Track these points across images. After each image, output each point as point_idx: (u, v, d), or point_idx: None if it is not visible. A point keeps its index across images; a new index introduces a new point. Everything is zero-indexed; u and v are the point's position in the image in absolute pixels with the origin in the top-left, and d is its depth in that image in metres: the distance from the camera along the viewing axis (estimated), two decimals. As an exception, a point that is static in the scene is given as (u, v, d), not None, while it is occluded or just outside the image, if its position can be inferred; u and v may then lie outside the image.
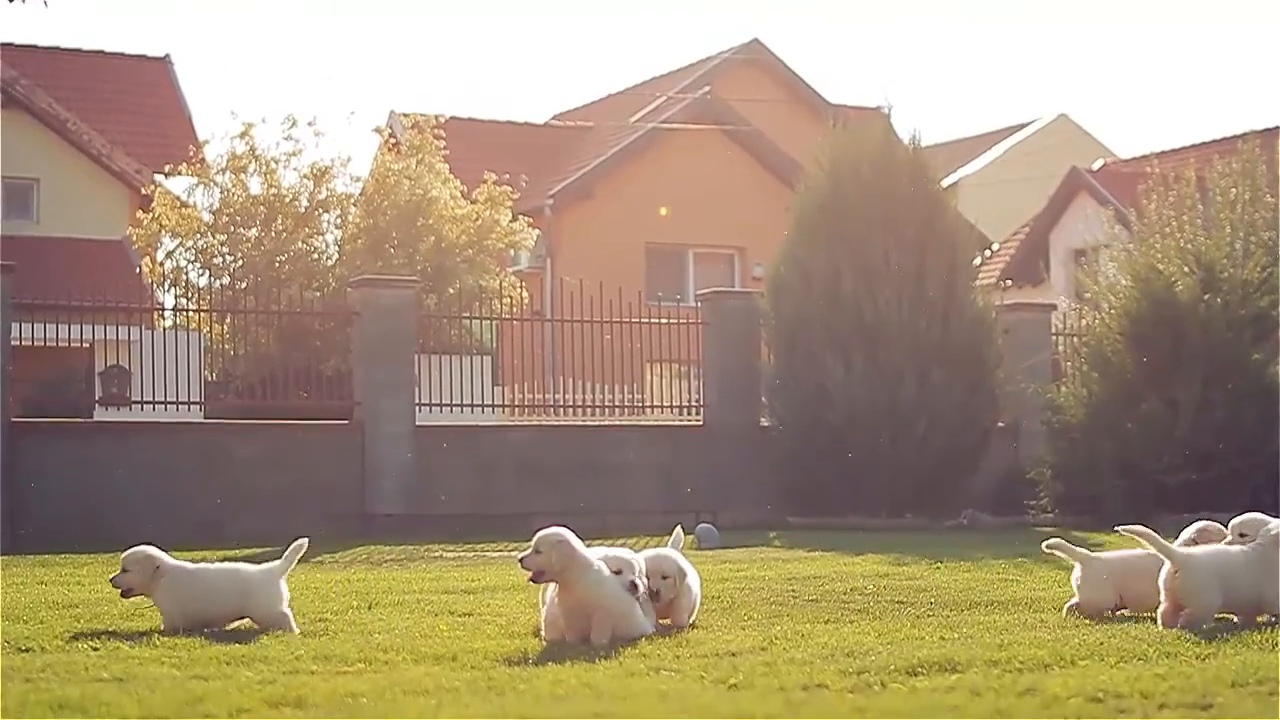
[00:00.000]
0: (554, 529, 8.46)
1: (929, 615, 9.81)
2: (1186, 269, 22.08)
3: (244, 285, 25.37)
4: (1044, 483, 21.75)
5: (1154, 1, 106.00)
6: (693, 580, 9.22)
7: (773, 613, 9.92)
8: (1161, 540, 8.83)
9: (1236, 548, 8.99)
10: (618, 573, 8.60)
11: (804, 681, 6.71)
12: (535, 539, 8.39)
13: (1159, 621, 8.65)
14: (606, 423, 23.81)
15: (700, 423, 23.57)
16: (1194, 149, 43.59)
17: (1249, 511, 9.31)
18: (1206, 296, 21.59)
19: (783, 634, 8.58)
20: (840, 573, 13.00)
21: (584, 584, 8.32)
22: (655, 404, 24.73)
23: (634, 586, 8.57)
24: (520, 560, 8.41)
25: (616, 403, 24.10)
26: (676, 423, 24.14)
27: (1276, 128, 40.34)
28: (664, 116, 41.90)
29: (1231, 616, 8.71)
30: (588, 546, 8.58)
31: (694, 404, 24.04)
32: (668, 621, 8.97)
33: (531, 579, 8.44)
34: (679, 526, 10.06)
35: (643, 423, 24.14)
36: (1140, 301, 21.90)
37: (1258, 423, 21.20)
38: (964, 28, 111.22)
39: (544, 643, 8.32)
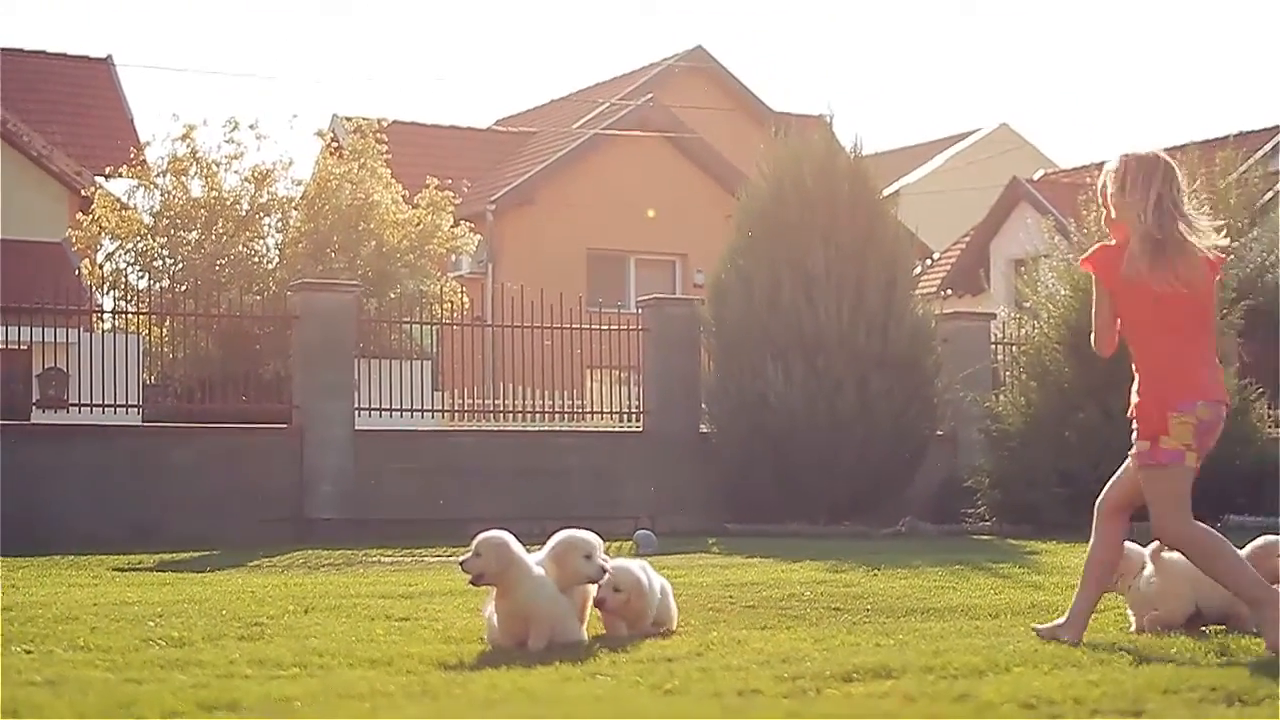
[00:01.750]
0: (494, 532, 8.46)
1: (865, 622, 9.84)
2: (1125, 279, 22.13)
3: (184, 288, 25.29)
4: (982, 491, 21.83)
5: (1095, 14, 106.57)
6: (660, 590, 9.17)
7: (709, 619, 9.93)
8: (1137, 546, 8.95)
9: None
10: (587, 557, 8.62)
11: (739, 687, 6.72)
12: (475, 542, 8.38)
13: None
14: (546, 428, 23.83)
15: (640, 429, 23.59)
16: (1134, 160, 43.81)
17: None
18: (1145, 306, 21.66)
19: (719, 640, 8.59)
20: (778, 579, 13.02)
21: (523, 589, 8.32)
22: (595, 410, 24.75)
23: (601, 570, 8.61)
24: (460, 563, 8.40)
25: (557, 408, 24.12)
26: (616, 429, 24.15)
27: (1216, 139, 40.62)
28: (607, 123, 41.95)
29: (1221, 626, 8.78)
30: (529, 552, 8.59)
31: (634, 410, 24.06)
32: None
33: (471, 582, 8.43)
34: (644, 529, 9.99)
35: (583, 429, 24.16)
36: (1079, 311, 21.97)
37: (1194, 432, 21.29)
38: (907, 37, 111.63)
39: (483, 647, 8.31)
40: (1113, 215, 8.41)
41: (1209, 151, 37.08)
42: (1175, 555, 8.82)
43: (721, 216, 26.41)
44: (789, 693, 6.62)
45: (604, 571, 8.65)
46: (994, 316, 27.06)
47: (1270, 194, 37.43)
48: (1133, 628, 8.92)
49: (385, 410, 22.39)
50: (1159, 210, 8.22)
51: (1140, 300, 8.38)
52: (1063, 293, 23.03)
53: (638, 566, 9.06)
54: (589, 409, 24.71)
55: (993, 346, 25.73)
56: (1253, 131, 45.47)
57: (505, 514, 20.45)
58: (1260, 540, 9.12)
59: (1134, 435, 8.58)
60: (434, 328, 25.13)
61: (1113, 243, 8.42)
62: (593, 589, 8.74)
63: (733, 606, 10.76)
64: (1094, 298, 8.62)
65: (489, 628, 8.59)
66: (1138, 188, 8.25)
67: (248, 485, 20.77)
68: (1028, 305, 25.46)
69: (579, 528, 8.96)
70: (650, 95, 43.06)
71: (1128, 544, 9.12)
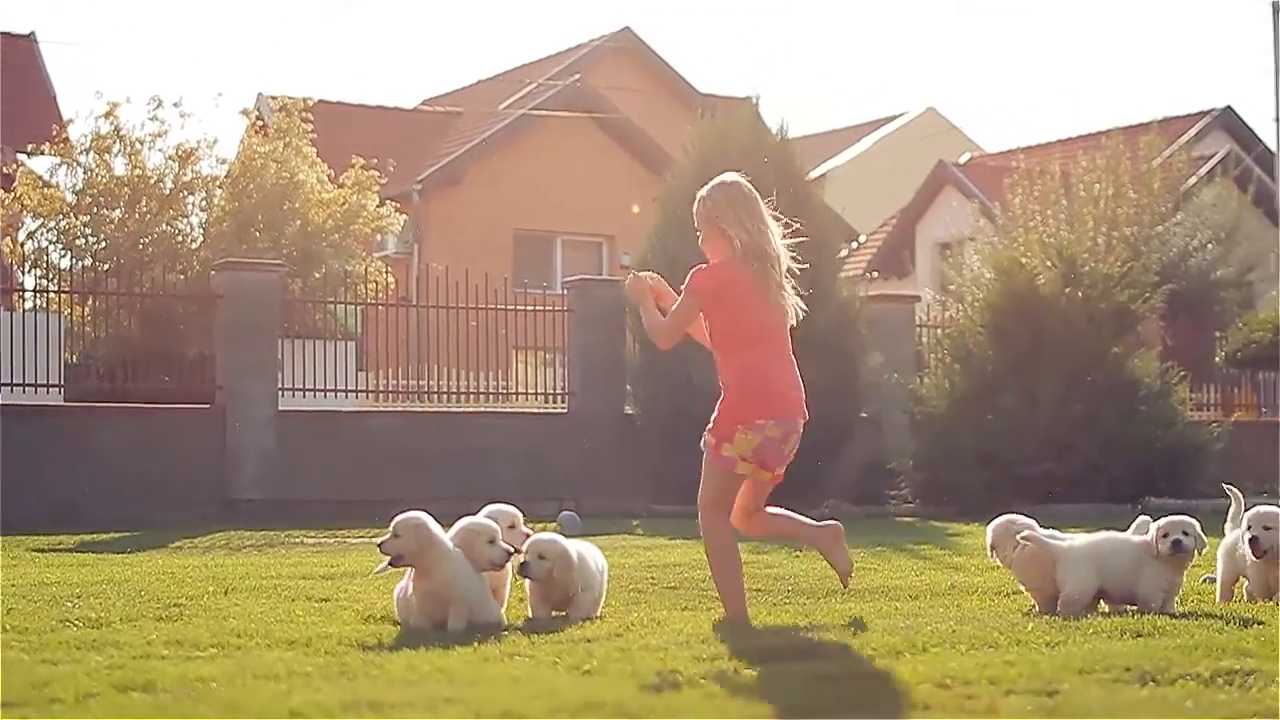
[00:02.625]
0: (412, 513, 8.44)
1: (786, 603, 9.89)
2: (1049, 262, 22.30)
3: (107, 267, 25.07)
4: (906, 473, 21.93)
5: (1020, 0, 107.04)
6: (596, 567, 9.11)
7: (631, 600, 9.96)
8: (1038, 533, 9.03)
9: (1122, 537, 9.10)
10: (511, 527, 8.72)
11: (657, 668, 6.74)
12: (394, 523, 8.37)
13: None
14: (472, 409, 23.77)
15: (565, 410, 23.58)
16: (1059, 144, 44.20)
17: (1105, 502, 9.45)
18: (1068, 290, 21.82)
19: (639, 621, 8.60)
20: (700, 560, 12.96)
21: (442, 570, 8.31)
22: (521, 391, 24.72)
23: (506, 555, 8.59)
24: (379, 544, 8.38)
25: (482, 389, 24.08)
26: (542, 410, 24.12)
27: (1140, 125, 40.88)
28: (534, 103, 41.84)
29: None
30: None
31: (559, 392, 24.03)
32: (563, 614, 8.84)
33: (390, 563, 8.41)
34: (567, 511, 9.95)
35: (508, 410, 24.14)
36: (1003, 294, 22.10)
37: (1116, 416, 21.48)
38: (834, 21, 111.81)
39: (402, 628, 8.29)
40: (710, 237, 9.23)
41: (1132, 137, 37.41)
42: (1075, 538, 8.98)
43: (648, 198, 26.39)
44: (707, 673, 6.64)
45: (509, 555, 8.64)
46: (919, 299, 27.17)
47: (1193, 179, 37.70)
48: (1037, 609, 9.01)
49: (309, 391, 22.32)
50: (755, 234, 9.07)
51: (736, 314, 9.10)
52: (987, 276, 23.16)
53: (586, 548, 9.05)
54: (515, 390, 24.67)
55: (917, 329, 25.83)
56: (1176, 117, 45.80)
57: (430, 495, 20.38)
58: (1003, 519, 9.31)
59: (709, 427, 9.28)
60: (359, 308, 25.04)
61: (713, 263, 9.20)
62: (508, 569, 8.77)
63: (654, 588, 10.80)
64: (683, 303, 9.19)
65: (402, 607, 8.58)
66: (736, 212, 9.10)
67: (170, 466, 20.66)
68: (952, 288, 25.63)
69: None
70: (577, 76, 42.97)
71: (1017, 518, 9.23)
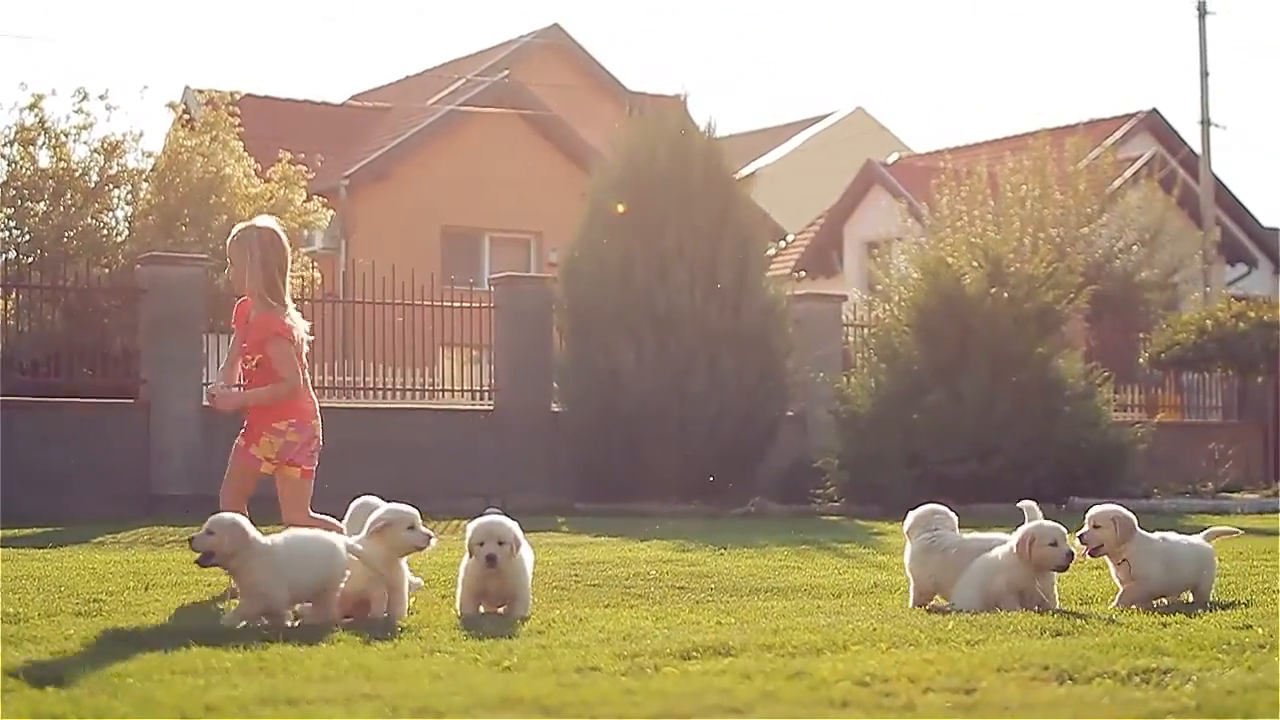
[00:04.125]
0: (228, 513, 8.35)
1: (708, 600, 9.88)
2: (975, 263, 22.41)
3: (30, 260, 24.89)
4: (831, 472, 21.98)
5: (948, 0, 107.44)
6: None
7: (553, 597, 9.94)
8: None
9: (992, 537, 9.17)
10: (410, 528, 8.58)
11: (578, 664, 6.74)
12: (209, 521, 8.25)
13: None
14: (398, 405, 23.72)
15: (491, 407, 23.56)
16: (986, 145, 44.43)
17: (1029, 499, 9.49)
18: (993, 290, 21.92)
19: (561, 618, 8.59)
20: (624, 558, 13.06)
21: (257, 568, 8.11)
22: (448, 388, 24.66)
23: (427, 538, 8.59)
24: (190, 540, 8.27)
25: (409, 386, 24.03)
26: (468, 407, 24.09)
27: (1067, 126, 41.12)
28: (462, 99, 41.77)
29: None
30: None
31: (486, 388, 24.00)
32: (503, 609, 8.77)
33: (199, 561, 8.26)
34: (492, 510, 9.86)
35: (434, 406, 24.08)
36: (929, 294, 22.18)
37: (1041, 415, 21.60)
38: (763, 19, 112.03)
39: (324, 625, 8.25)
40: (244, 275, 10.34)
41: (1059, 138, 37.66)
42: (973, 535, 9.11)
43: (576, 195, 26.41)
44: (627, 670, 6.64)
45: (429, 539, 8.61)
46: (845, 298, 27.28)
47: (1119, 181, 37.96)
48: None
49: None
50: (280, 275, 10.28)
51: (272, 340, 10.25)
52: (914, 276, 23.27)
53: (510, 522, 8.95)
54: (441, 387, 24.62)
55: (844, 328, 25.93)
56: (1103, 119, 46.10)
57: (355, 491, 20.32)
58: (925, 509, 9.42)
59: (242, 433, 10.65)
60: (285, 303, 24.93)
61: (264, 306, 10.29)
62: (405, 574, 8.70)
63: (577, 585, 10.79)
64: (281, 356, 10.29)
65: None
66: (266, 254, 10.26)
67: (94, 461, 20.53)
68: (879, 288, 25.74)
69: (428, 507, 8.96)
70: (506, 72, 42.93)
71: (939, 508, 9.32)
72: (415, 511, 8.77)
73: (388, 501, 9.18)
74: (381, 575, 8.51)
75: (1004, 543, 8.92)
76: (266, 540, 8.30)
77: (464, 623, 8.33)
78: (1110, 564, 9.23)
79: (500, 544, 8.58)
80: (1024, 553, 8.68)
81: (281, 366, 10.27)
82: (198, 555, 8.21)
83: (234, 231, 10.55)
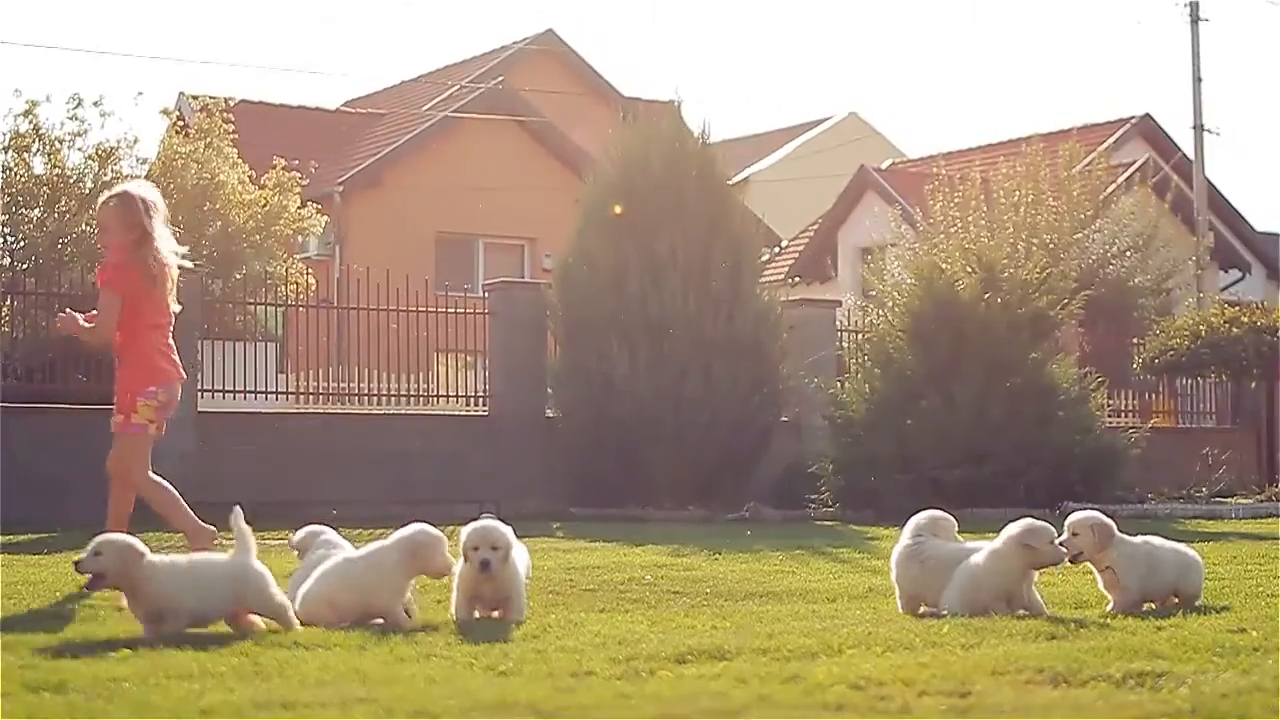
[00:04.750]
0: (116, 534, 8.20)
1: (703, 605, 9.89)
2: (969, 268, 22.42)
3: (25, 267, 24.91)
4: (825, 477, 21.98)
5: (942, 5, 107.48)
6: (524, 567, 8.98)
7: (549, 602, 9.94)
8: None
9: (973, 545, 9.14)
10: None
11: (573, 669, 6.74)
12: (95, 542, 8.02)
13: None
14: (393, 411, 23.73)
15: (486, 413, 23.57)
16: (980, 151, 44.42)
17: (1023, 507, 9.52)
18: (987, 296, 21.93)
19: (556, 623, 8.59)
20: (619, 563, 13.07)
21: (153, 586, 7.94)
22: (442, 394, 24.68)
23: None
24: (75, 563, 8.01)
25: (403, 391, 24.04)
26: (462, 413, 24.10)
27: (1060, 132, 41.15)
28: (456, 105, 41.81)
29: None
30: (381, 535, 8.55)
31: (481, 394, 24.01)
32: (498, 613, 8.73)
33: (88, 586, 8.08)
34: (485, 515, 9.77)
35: (429, 412, 24.09)
36: (923, 300, 22.20)
37: (1034, 420, 21.61)
38: (757, 25, 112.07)
39: (318, 629, 8.25)
40: (113, 237, 10.92)
41: (1052, 144, 37.68)
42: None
43: (570, 200, 26.43)
44: (622, 674, 6.65)
45: (450, 567, 8.51)
46: (839, 304, 27.29)
47: (1112, 186, 37.97)
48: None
49: (229, 392, 22.23)
50: (148, 237, 10.75)
51: (137, 305, 10.83)
52: (908, 281, 23.26)
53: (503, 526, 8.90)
54: (436, 392, 24.64)
55: (838, 334, 25.93)
56: (1096, 124, 46.14)
57: (350, 497, 20.45)
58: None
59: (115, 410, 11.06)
60: (280, 309, 24.96)
61: (116, 260, 10.88)
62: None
63: (573, 590, 10.79)
64: (103, 304, 10.86)
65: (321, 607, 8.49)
66: (134, 218, 10.76)
67: (89, 467, 20.27)
68: (873, 294, 25.72)
69: (423, 513, 8.93)
70: (500, 78, 42.97)
71: (939, 514, 9.30)
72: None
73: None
74: (401, 592, 8.48)
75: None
76: (167, 560, 8.13)
77: (459, 627, 8.33)
78: (1095, 571, 9.24)
79: (494, 549, 8.52)
80: (1019, 546, 8.64)
81: (99, 313, 10.93)
82: (86, 579, 7.96)
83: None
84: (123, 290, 10.77)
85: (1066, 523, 9.13)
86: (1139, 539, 9.27)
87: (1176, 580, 9.19)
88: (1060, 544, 8.88)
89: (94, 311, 11.04)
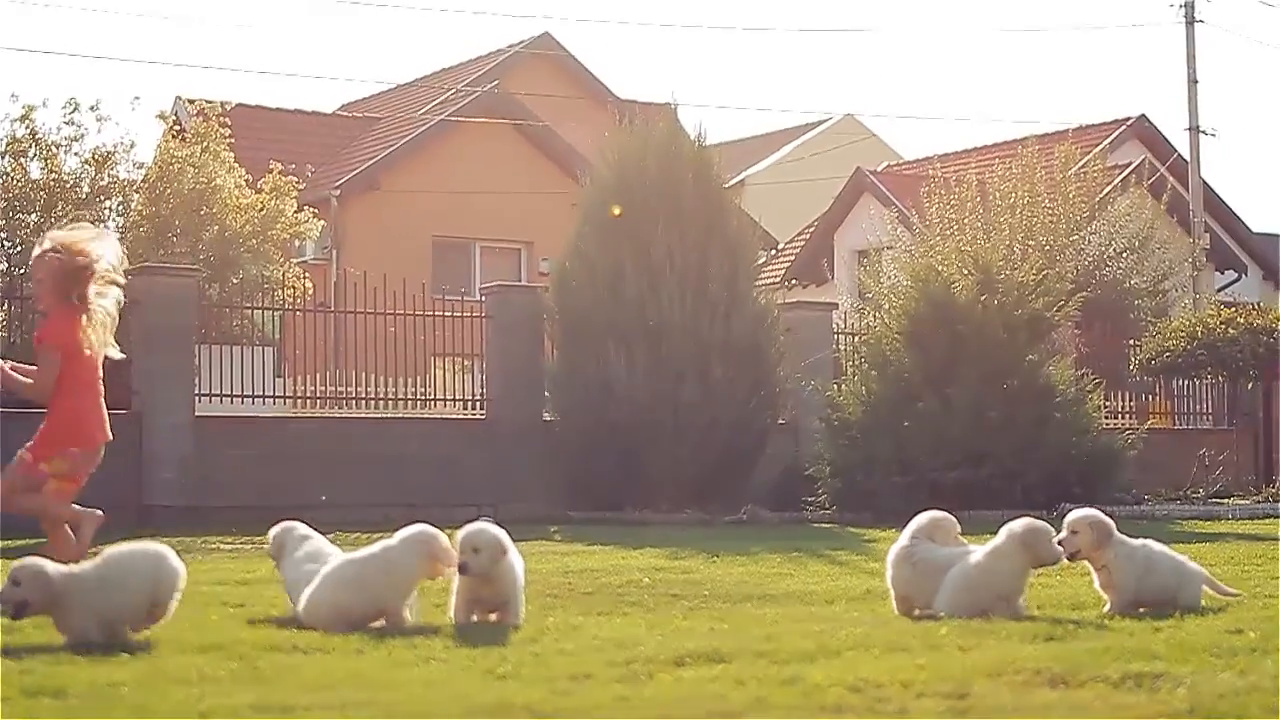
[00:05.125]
0: (31, 560, 7.96)
1: (701, 608, 9.89)
2: (965, 270, 22.43)
3: (22, 272, 24.92)
4: (823, 479, 21.98)
5: (937, 7, 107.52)
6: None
7: (547, 605, 9.93)
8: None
9: (970, 548, 9.12)
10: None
11: (571, 672, 6.74)
12: (11, 570, 7.88)
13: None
14: (390, 415, 23.75)
15: (483, 416, 23.58)
16: (976, 153, 44.38)
17: (1020, 508, 9.49)
18: (984, 298, 21.93)
19: (554, 626, 8.58)
20: (617, 566, 13.07)
21: (72, 609, 7.86)
22: (439, 397, 24.69)
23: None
24: None
25: (401, 395, 24.05)
26: (460, 416, 24.12)
27: (1056, 133, 41.16)
28: (453, 109, 41.82)
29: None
30: (379, 538, 8.59)
31: (478, 398, 24.03)
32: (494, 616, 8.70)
33: (13, 616, 7.85)
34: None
35: (426, 415, 24.10)
36: (919, 302, 22.20)
37: (1031, 422, 21.60)
38: (754, 27, 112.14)
39: (317, 633, 8.24)
40: (48, 293, 10.92)
41: (1048, 145, 37.68)
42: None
43: (567, 204, 26.47)
44: (620, 677, 6.65)
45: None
46: (835, 306, 27.29)
47: (1108, 188, 37.98)
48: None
49: (227, 396, 22.25)
50: (85, 295, 10.83)
51: (75, 363, 10.89)
52: (904, 284, 23.28)
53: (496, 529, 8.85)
54: (433, 396, 24.65)
55: (835, 336, 25.95)
56: (1091, 126, 46.13)
57: (348, 501, 20.44)
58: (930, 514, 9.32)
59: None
60: (277, 314, 24.98)
61: (53, 318, 10.95)
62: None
63: (571, 593, 10.79)
64: (43, 362, 10.94)
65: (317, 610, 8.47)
66: (69, 276, 10.79)
67: (85, 471, 20.48)
68: (870, 296, 25.74)
69: (421, 516, 8.90)
70: (496, 82, 42.99)
71: (941, 515, 9.27)
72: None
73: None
74: (408, 594, 8.49)
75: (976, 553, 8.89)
76: (69, 571, 7.98)
77: (457, 630, 8.32)
78: (1092, 570, 9.22)
79: (475, 551, 8.38)
80: (1020, 545, 8.63)
81: (38, 370, 11.03)
82: (9, 610, 7.77)
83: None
84: (63, 348, 10.84)
85: (1065, 521, 9.11)
86: (1138, 541, 9.25)
87: (1176, 589, 9.12)
88: (1059, 542, 8.87)
89: (33, 366, 11.12)
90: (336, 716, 5.76)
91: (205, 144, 27.57)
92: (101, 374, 11.21)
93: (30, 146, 26.98)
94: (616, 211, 22.58)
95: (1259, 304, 32.78)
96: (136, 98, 52.70)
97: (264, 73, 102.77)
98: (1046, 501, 20.12)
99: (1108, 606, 9.03)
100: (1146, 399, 30.42)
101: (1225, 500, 24.25)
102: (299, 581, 8.78)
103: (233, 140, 28.39)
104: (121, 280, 11.30)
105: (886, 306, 23.27)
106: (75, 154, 27.28)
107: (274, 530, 9.54)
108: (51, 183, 26.67)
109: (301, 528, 9.44)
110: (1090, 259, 34.67)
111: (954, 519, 9.31)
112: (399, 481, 21.82)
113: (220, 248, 26.09)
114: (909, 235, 35.89)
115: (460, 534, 8.56)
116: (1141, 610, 8.98)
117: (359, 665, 6.99)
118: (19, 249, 25.89)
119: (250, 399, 22.57)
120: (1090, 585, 9.49)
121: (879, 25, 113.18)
